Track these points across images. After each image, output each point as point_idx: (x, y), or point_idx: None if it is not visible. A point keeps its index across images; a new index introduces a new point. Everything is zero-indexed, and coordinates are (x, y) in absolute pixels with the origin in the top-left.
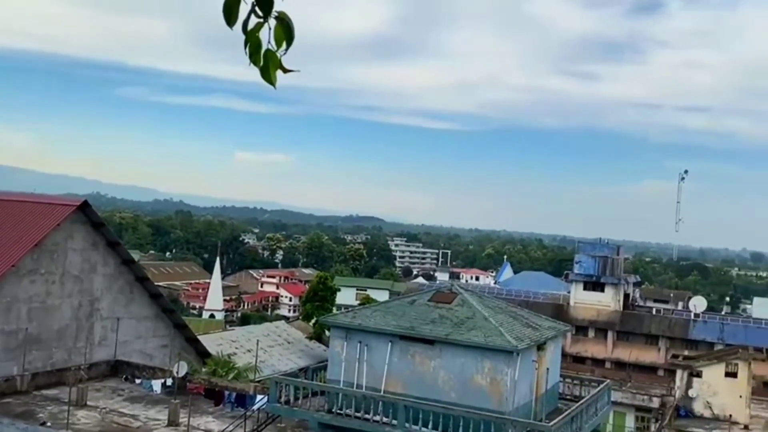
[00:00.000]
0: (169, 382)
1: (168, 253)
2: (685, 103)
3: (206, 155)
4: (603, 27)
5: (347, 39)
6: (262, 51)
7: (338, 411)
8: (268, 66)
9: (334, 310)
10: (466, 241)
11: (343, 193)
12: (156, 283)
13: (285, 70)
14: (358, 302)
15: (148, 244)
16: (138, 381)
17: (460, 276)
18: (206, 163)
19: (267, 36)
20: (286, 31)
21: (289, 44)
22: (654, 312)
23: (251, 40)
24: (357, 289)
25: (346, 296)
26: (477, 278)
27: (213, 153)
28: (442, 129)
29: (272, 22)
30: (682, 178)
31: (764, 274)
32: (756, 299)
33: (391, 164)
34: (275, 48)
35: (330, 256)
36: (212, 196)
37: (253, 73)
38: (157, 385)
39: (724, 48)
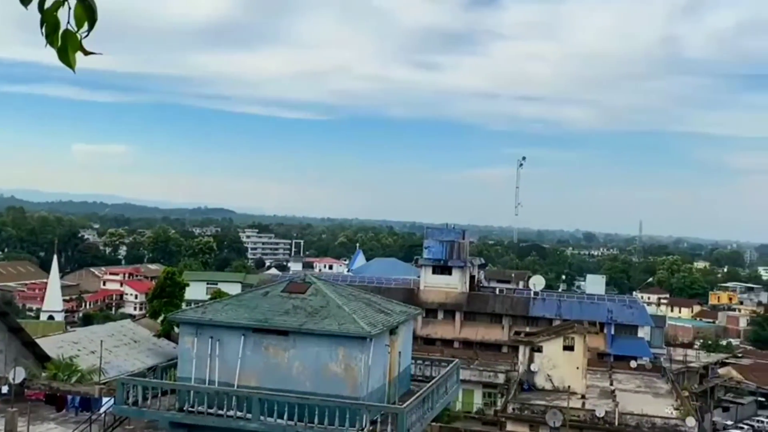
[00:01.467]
0: (5, 389)
1: None
2: (522, 92)
3: (40, 147)
4: (444, 19)
5: (193, 25)
6: (60, 32)
7: (190, 409)
8: (67, 48)
9: (184, 306)
10: (318, 231)
11: (191, 185)
12: None
13: (86, 53)
14: (208, 297)
15: None
16: None
17: (314, 265)
18: (40, 156)
19: (67, 16)
20: (87, 11)
21: (91, 25)
22: (497, 292)
23: (48, 19)
24: (207, 284)
25: (196, 291)
26: (331, 267)
27: (48, 145)
28: (293, 118)
29: (72, 1)
30: (521, 165)
31: (596, 253)
32: (589, 276)
33: (242, 154)
34: (75, 29)
35: (178, 251)
36: (47, 191)
37: (92, 61)
38: None
39: (557, 39)
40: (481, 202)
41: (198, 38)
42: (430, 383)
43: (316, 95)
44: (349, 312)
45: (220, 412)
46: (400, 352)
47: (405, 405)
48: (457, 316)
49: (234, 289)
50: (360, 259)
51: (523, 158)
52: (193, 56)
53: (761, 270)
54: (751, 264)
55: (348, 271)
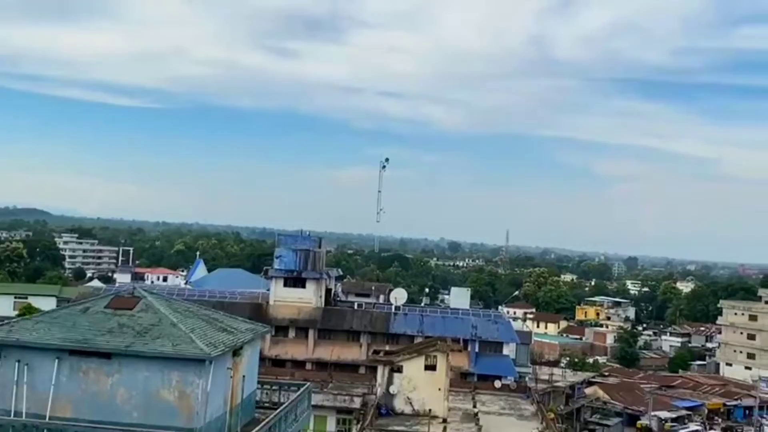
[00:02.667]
0: None
1: None
2: (386, 88)
3: None
4: (303, 1)
5: None
6: None
7: None
8: None
9: None
10: (152, 237)
11: None
12: None
13: None
14: (16, 313)
15: None
16: None
17: (145, 277)
18: None
19: None
20: None
21: None
22: (356, 307)
23: None
24: (16, 297)
25: (1, 306)
26: (165, 279)
27: None
28: (122, 105)
29: None
30: (383, 166)
31: (461, 264)
32: (453, 289)
33: (60, 146)
34: None
35: None
36: None
37: None
38: None
39: (424, 33)
40: (340, 207)
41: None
42: (278, 410)
43: (150, 80)
44: (185, 331)
45: None
46: (244, 376)
47: None
48: (311, 333)
49: (48, 303)
50: (200, 270)
51: (387, 159)
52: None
53: (629, 283)
54: (618, 277)
55: (186, 283)
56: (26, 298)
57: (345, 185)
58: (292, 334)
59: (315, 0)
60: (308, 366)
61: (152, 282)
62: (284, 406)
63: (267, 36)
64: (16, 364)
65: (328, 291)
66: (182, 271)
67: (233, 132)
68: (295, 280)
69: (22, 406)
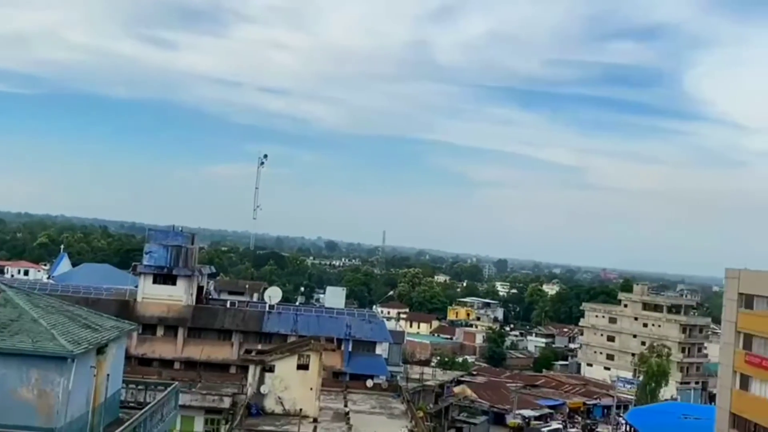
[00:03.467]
0: None
1: None
2: (267, 84)
3: None
4: None
5: None
6: None
7: None
8: None
9: None
10: (12, 228)
11: None
12: None
13: None
14: None
15: None
16: None
17: (5, 270)
18: None
19: None
20: None
21: None
22: (228, 305)
23: None
24: None
25: None
26: (26, 272)
27: None
28: None
29: None
30: (262, 163)
31: (337, 263)
32: (328, 288)
33: None
34: None
35: None
36: None
37: None
38: None
39: (306, 29)
40: (215, 203)
41: None
42: (143, 410)
43: (14, 63)
44: (46, 327)
45: None
46: (108, 375)
47: None
48: (180, 332)
49: None
50: (64, 264)
51: (265, 156)
52: None
53: (498, 285)
54: (489, 278)
55: (49, 277)
56: None
57: (221, 181)
58: (160, 332)
59: None
60: (177, 365)
61: (12, 276)
62: (150, 406)
63: (143, 24)
64: None
65: (199, 289)
66: (45, 265)
67: (103, 121)
68: (165, 277)
69: None
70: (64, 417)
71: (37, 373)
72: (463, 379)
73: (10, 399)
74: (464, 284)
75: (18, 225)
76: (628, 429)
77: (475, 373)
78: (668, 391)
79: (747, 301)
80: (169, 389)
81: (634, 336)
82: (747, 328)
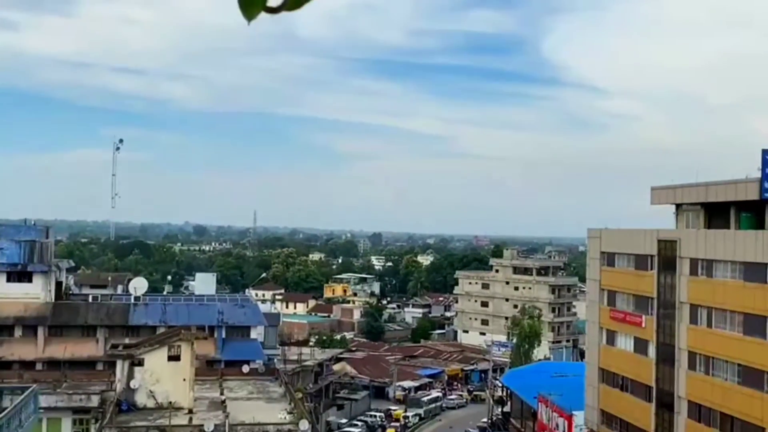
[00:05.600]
0: None
1: None
2: (120, 63)
3: None
4: None
5: None
6: None
7: None
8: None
9: None
10: None
11: None
12: None
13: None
14: None
15: None
16: None
17: None
18: None
19: None
20: None
21: None
22: (91, 299)
23: None
24: None
25: None
26: None
27: None
28: None
29: None
30: (117, 148)
31: (207, 248)
32: (198, 275)
33: None
34: None
35: None
36: None
37: None
38: None
39: (158, 5)
40: (71, 193)
41: None
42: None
43: None
44: None
45: None
46: None
47: None
48: (40, 331)
49: None
50: None
51: (121, 141)
52: None
53: (374, 259)
54: (365, 253)
55: None
56: None
57: (77, 168)
58: (18, 332)
59: None
60: (39, 366)
61: None
62: (6, 411)
63: None
64: None
65: (58, 284)
66: None
67: None
68: (19, 275)
69: None
70: None
71: None
72: (342, 356)
73: None
74: (340, 261)
75: None
76: (504, 391)
77: (354, 349)
78: (541, 351)
79: (609, 259)
80: (26, 393)
81: (507, 300)
82: (610, 285)
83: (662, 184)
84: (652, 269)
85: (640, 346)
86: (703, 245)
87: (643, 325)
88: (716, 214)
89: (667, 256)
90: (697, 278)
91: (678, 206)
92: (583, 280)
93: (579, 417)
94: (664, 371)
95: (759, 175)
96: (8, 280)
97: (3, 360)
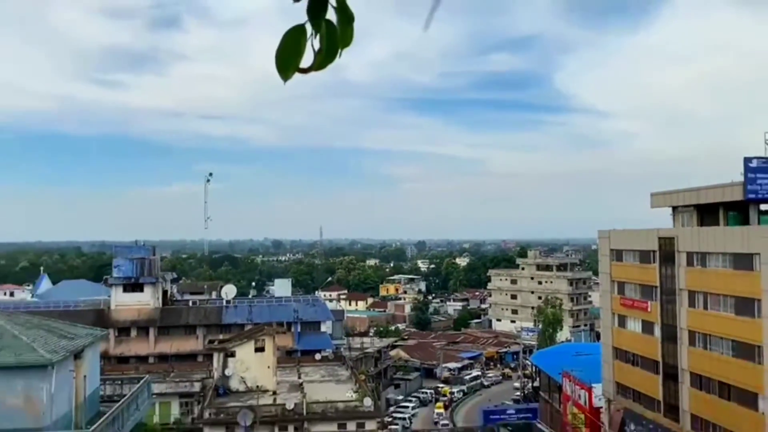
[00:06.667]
0: None
1: None
2: (207, 112)
3: None
4: (127, 38)
5: None
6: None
7: None
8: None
9: None
10: None
11: None
12: None
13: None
14: None
15: None
16: None
17: None
18: None
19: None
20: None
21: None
22: (191, 304)
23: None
24: None
25: None
26: (12, 294)
27: None
28: None
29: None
30: (208, 180)
31: (283, 258)
32: (277, 281)
33: None
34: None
35: None
36: None
37: None
38: None
39: (235, 63)
40: (172, 218)
41: None
42: (119, 403)
43: None
44: (27, 341)
45: None
46: (85, 376)
47: (92, 428)
48: (151, 331)
49: None
50: (45, 283)
51: (210, 174)
52: None
53: (419, 263)
54: (412, 258)
55: (32, 296)
56: None
57: (175, 198)
58: (134, 333)
59: (136, 37)
60: (151, 360)
61: None
62: (125, 398)
63: (94, 69)
64: None
65: (164, 292)
66: (28, 285)
67: (68, 155)
68: (133, 286)
69: None
70: (50, 417)
71: (23, 382)
72: (396, 344)
73: (2, 406)
74: (392, 265)
75: (2, 254)
76: (533, 369)
77: (406, 337)
78: (563, 334)
79: (617, 255)
80: (141, 382)
81: (532, 292)
82: (619, 277)
83: (659, 190)
84: (654, 262)
85: (647, 327)
86: (697, 240)
87: (649, 309)
88: (707, 213)
89: (666, 251)
90: (693, 268)
91: (674, 208)
92: (596, 273)
93: (597, 389)
94: (668, 348)
95: (742, 179)
96: (124, 291)
97: (122, 356)
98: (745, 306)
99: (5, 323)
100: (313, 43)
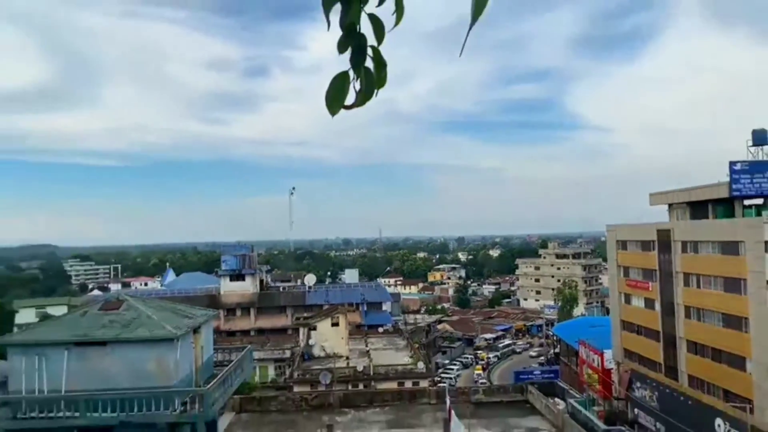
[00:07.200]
0: None
1: None
2: (289, 139)
3: None
4: (227, 84)
5: (6, 92)
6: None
7: (22, 416)
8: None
9: (15, 330)
10: (134, 255)
11: (15, 225)
12: None
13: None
14: (37, 320)
15: None
16: None
17: (131, 284)
18: None
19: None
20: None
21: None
22: (281, 289)
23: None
24: (36, 309)
25: (26, 316)
26: (146, 284)
27: None
28: (102, 166)
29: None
30: (291, 192)
31: (351, 253)
32: (347, 270)
33: (61, 195)
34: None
35: (7, 284)
36: None
37: None
38: None
39: (310, 101)
40: (265, 222)
41: (7, 100)
42: (228, 367)
43: (121, 145)
44: (158, 320)
45: (52, 415)
46: (202, 347)
47: (208, 387)
48: (252, 311)
49: (61, 311)
50: (171, 276)
51: (293, 188)
52: (7, 116)
53: (460, 254)
54: (453, 251)
55: (161, 286)
56: (44, 308)
57: (267, 207)
58: (238, 313)
59: (233, 83)
60: (252, 333)
61: (136, 288)
62: (233, 363)
63: (203, 110)
64: (36, 356)
65: (261, 281)
66: (158, 277)
67: (184, 176)
68: (237, 276)
69: (44, 385)
70: (176, 377)
71: (156, 352)
72: (442, 319)
73: (140, 371)
74: (437, 256)
75: (137, 253)
76: (555, 339)
77: (450, 314)
78: (579, 310)
79: (623, 245)
80: (244, 351)
81: (552, 276)
82: (624, 263)
83: (654, 191)
84: (654, 250)
85: (649, 303)
86: (690, 231)
87: (650, 289)
88: (697, 209)
89: (664, 241)
90: (687, 254)
91: (670, 205)
92: (605, 260)
93: (608, 354)
94: (667, 320)
95: (728, 180)
96: (230, 280)
97: (230, 330)
98: (734, 285)
99: (142, 306)
100: (354, 85)
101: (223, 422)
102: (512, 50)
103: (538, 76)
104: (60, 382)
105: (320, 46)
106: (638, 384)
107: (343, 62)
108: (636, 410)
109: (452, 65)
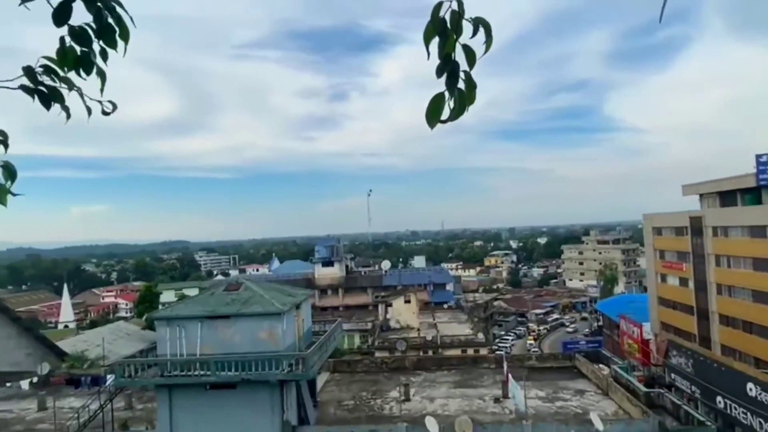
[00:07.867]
0: (35, 379)
1: (24, 287)
2: (366, 151)
3: (48, 212)
4: (316, 108)
5: (141, 122)
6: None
7: (168, 374)
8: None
9: (160, 308)
10: (248, 247)
11: (157, 227)
12: (17, 310)
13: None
14: (176, 299)
15: (5, 282)
16: (8, 384)
17: (246, 270)
18: (48, 218)
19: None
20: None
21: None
22: (363, 273)
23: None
24: (175, 291)
25: (167, 297)
26: (257, 270)
27: (53, 209)
28: (220, 178)
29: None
30: (369, 194)
31: (419, 242)
32: (416, 257)
33: (190, 202)
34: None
35: (153, 271)
36: (56, 241)
37: (79, 151)
38: (24, 384)
39: (382, 118)
40: (348, 219)
41: (149, 131)
42: (324, 336)
43: (233, 161)
44: (269, 298)
45: (189, 373)
46: (303, 319)
47: (308, 351)
48: (340, 291)
49: (194, 292)
50: (276, 263)
51: (370, 190)
52: (147, 143)
53: (511, 242)
54: (506, 239)
55: (269, 271)
56: (181, 290)
57: (349, 207)
58: (329, 292)
59: (321, 106)
60: (340, 309)
61: (250, 273)
62: (327, 333)
63: (297, 130)
64: (177, 327)
65: (346, 267)
66: (266, 264)
67: (283, 185)
68: (327, 263)
69: (184, 351)
70: (283, 344)
71: (267, 323)
72: (498, 297)
73: (256, 339)
74: (492, 244)
75: (250, 246)
76: (598, 314)
77: (504, 293)
78: (619, 289)
79: (658, 231)
80: (336, 323)
81: (594, 260)
82: (660, 247)
83: (687, 183)
84: (687, 235)
85: (683, 282)
86: (721, 217)
87: (684, 269)
88: (726, 198)
89: (696, 227)
90: (718, 238)
91: (701, 195)
92: (642, 245)
93: (646, 326)
94: (700, 296)
95: (755, 171)
96: (323, 266)
97: (323, 306)
98: (760, 264)
99: (256, 288)
100: (449, 103)
101: (321, 380)
102: (555, 64)
103: (579, 86)
104: (195, 348)
105: (389, 73)
106: (674, 352)
107: (417, 86)
108: (673, 375)
109: (499, 80)
